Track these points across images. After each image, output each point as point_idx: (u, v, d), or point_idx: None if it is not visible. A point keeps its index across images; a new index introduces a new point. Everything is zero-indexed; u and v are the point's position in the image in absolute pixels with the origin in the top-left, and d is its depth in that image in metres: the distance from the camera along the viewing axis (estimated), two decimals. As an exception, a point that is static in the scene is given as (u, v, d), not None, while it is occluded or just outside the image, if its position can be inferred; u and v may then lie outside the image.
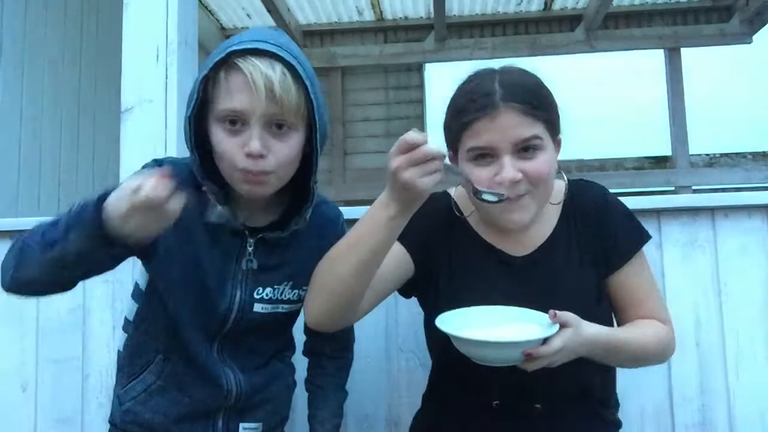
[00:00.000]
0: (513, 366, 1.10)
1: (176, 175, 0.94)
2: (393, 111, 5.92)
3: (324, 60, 5.79)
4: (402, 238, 1.19)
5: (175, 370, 1.23)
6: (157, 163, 1.21)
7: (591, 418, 1.27)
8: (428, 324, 1.34)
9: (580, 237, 1.28)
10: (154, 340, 1.25)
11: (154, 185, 0.92)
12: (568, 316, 1.09)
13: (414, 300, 1.37)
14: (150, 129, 1.79)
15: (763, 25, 5.32)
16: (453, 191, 1.36)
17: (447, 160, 1.29)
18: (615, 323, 1.30)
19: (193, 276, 1.20)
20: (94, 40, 3.73)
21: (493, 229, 1.29)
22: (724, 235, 1.67)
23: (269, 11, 5.04)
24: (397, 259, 1.25)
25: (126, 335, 1.31)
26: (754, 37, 5.47)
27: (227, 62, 1.11)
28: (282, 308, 1.27)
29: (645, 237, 1.29)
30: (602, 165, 5.62)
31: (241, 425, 1.27)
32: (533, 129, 1.18)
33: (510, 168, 1.16)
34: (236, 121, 1.11)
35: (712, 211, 1.68)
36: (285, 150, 1.14)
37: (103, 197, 0.97)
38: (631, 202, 1.34)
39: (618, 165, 5.70)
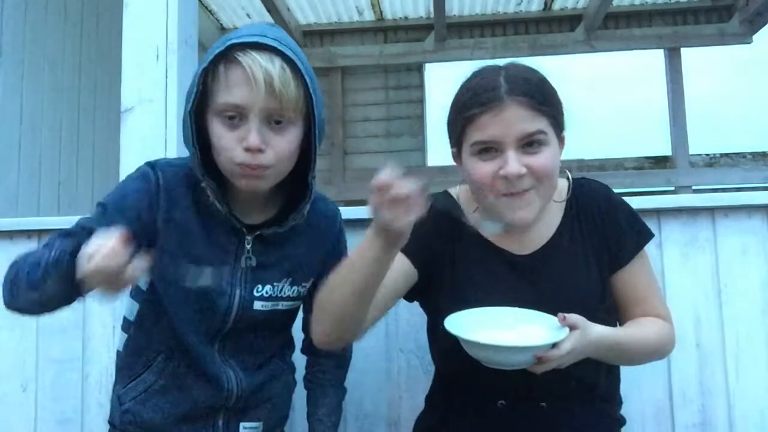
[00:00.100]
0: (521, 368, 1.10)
1: (135, 239, 0.94)
2: (393, 111, 5.92)
3: (324, 60, 5.79)
4: (404, 247, 1.18)
5: (177, 370, 1.23)
6: (150, 165, 1.21)
7: (596, 415, 1.27)
8: (432, 326, 1.34)
9: (584, 235, 1.28)
10: (155, 340, 1.24)
11: (107, 255, 0.91)
12: (575, 318, 1.09)
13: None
14: (150, 129, 1.79)
15: (763, 25, 5.32)
16: (457, 188, 1.36)
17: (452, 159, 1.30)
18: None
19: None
20: (94, 40, 3.73)
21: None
22: (724, 235, 1.67)
23: (269, 11, 5.05)
24: (400, 270, 1.24)
25: (126, 335, 1.31)
26: (754, 37, 5.47)
27: (227, 56, 1.11)
28: (282, 305, 1.27)
29: (648, 235, 1.30)
30: (602, 165, 5.62)
31: (242, 425, 1.27)
32: (538, 124, 1.18)
33: (514, 162, 1.16)
34: (235, 116, 1.11)
35: (712, 211, 1.68)
36: (283, 145, 1.14)
37: (77, 251, 0.97)
38: (631, 202, 1.34)
39: (618, 165, 5.69)
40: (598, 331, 1.13)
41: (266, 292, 1.24)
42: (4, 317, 1.81)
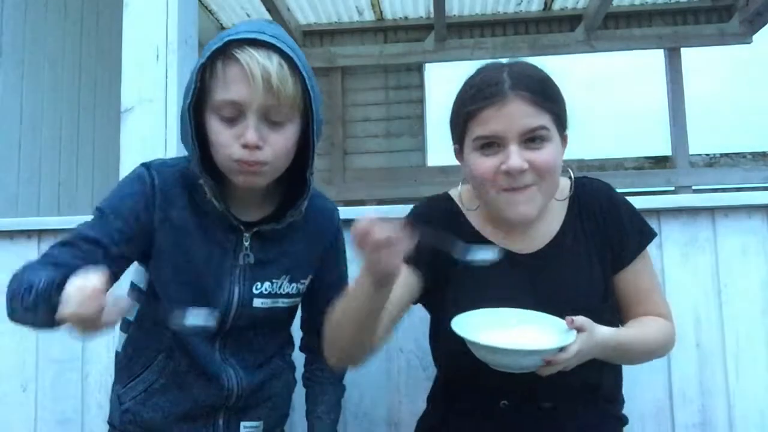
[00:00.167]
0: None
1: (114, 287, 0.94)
2: (393, 111, 5.92)
3: (324, 60, 5.79)
4: (407, 257, 1.20)
5: (177, 369, 1.23)
6: (145, 166, 1.22)
7: (599, 414, 1.27)
8: (434, 326, 1.34)
9: (586, 234, 1.28)
10: (155, 339, 1.24)
11: (82, 301, 0.91)
12: (582, 320, 1.09)
13: (414, 300, 1.37)
14: (150, 129, 1.79)
15: (763, 25, 5.32)
16: (457, 190, 1.35)
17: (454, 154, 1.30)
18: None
19: (190, 275, 1.20)
20: (94, 39, 3.73)
21: (499, 227, 1.29)
22: (724, 235, 1.67)
23: (269, 11, 5.05)
24: (404, 284, 1.24)
25: (125, 335, 1.31)
26: (754, 37, 5.47)
27: (224, 53, 1.11)
28: (281, 302, 1.27)
29: (651, 235, 1.31)
30: (602, 165, 5.62)
31: (242, 424, 1.27)
32: (541, 119, 1.18)
33: (516, 157, 1.16)
34: (233, 112, 1.12)
35: (712, 211, 1.68)
36: (281, 141, 1.14)
37: (66, 277, 0.97)
38: (631, 202, 1.34)
39: (618, 165, 5.69)
40: (604, 332, 1.13)
41: (265, 290, 1.25)
42: (3, 318, 1.81)
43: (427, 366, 1.57)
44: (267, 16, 5.16)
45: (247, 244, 1.23)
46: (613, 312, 1.28)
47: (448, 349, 1.25)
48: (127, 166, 1.78)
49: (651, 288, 1.30)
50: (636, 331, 1.24)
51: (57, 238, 1.76)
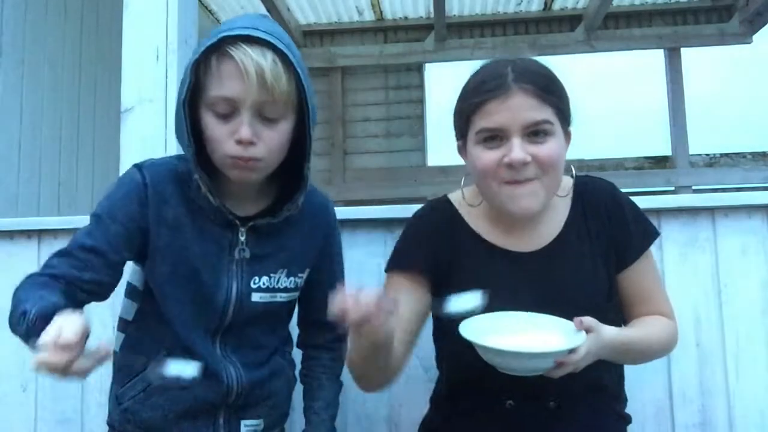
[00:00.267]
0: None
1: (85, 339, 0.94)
2: (393, 111, 5.91)
3: (324, 60, 5.79)
4: (411, 269, 1.27)
5: None
6: (137, 166, 1.23)
7: (604, 412, 1.28)
8: (438, 328, 1.35)
9: (590, 233, 1.28)
10: (154, 338, 1.25)
11: (52, 352, 0.91)
12: (590, 321, 1.09)
13: (414, 300, 1.37)
14: (150, 129, 1.79)
15: (763, 25, 5.32)
16: (457, 192, 1.36)
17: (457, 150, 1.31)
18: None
19: (187, 272, 1.21)
20: (94, 39, 3.73)
21: (501, 226, 1.29)
22: (724, 235, 1.67)
23: (269, 11, 5.04)
24: (414, 298, 1.28)
25: (123, 335, 1.31)
26: (754, 37, 5.47)
27: (219, 49, 1.12)
28: (280, 297, 1.28)
29: (654, 234, 1.31)
30: (602, 165, 5.61)
31: (243, 422, 1.27)
32: (544, 113, 1.18)
33: (519, 150, 1.16)
34: (227, 109, 1.12)
35: (712, 211, 1.68)
36: (275, 137, 1.15)
37: (52, 308, 0.99)
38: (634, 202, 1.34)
39: (618, 165, 5.69)
40: (610, 332, 1.13)
41: (263, 284, 1.25)
42: (4, 317, 1.81)
43: (429, 367, 1.57)
44: (268, 15, 5.16)
45: (243, 238, 1.23)
46: (616, 311, 1.28)
47: (453, 351, 1.26)
48: (127, 166, 1.75)
49: (654, 287, 1.31)
50: (640, 330, 1.24)
51: (57, 238, 1.77)
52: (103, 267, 1.16)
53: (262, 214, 1.25)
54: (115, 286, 1.22)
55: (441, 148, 5.81)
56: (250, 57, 1.10)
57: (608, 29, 5.65)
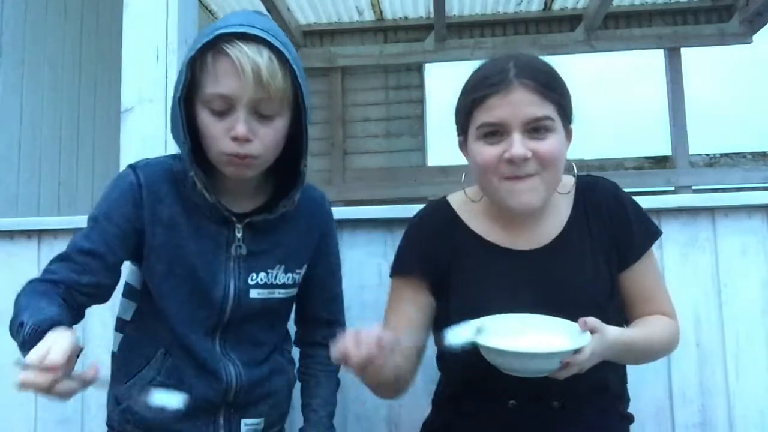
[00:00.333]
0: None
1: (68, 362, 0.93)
2: (393, 111, 5.91)
3: (324, 60, 5.79)
4: (411, 274, 1.28)
5: (176, 364, 1.23)
6: (131, 167, 1.24)
7: (608, 412, 1.28)
8: (440, 329, 1.35)
9: (592, 232, 1.28)
10: (153, 337, 1.25)
11: (37, 372, 0.92)
12: (594, 321, 1.09)
13: (414, 300, 1.37)
14: (150, 129, 1.79)
15: (763, 25, 5.32)
16: (457, 194, 1.36)
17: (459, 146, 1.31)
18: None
19: (184, 270, 1.21)
20: (94, 39, 3.73)
21: (502, 225, 1.29)
22: (724, 235, 1.66)
23: (269, 11, 5.04)
24: (419, 308, 1.29)
25: (120, 335, 1.31)
26: (754, 37, 5.47)
27: (215, 46, 1.12)
28: (278, 293, 1.28)
29: (656, 234, 1.31)
30: (602, 165, 5.61)
31: (243, 421, 1.27)
32: (545, 109, 1.18)
33: (519, 145, 1.16)
34: (223, 106, 1.13)
35: (712, 211, 1.68)
36: (270, 134, 1.16)
37: (45, 324, 0.99)
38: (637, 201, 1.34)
39: (618, 165, 5.69)
40: (614, 333, 1.13)
41: (261, 280, 1.25)
42: (4, 317, 1.81)
43: (428, 366, 1.57)
44: (267, 16, 5.16)
45: (239, 235, 1.23)
46: (618, 311, 1.28)
47: (454, 352, 1.26)
48: (127, 166, 1.78)
49: (656, 287, 1.31)
50: (643, 330, 1.24)
51: (57, 238, 1.77)
52: (101, 269, 1.17)
53: (259, 211, 1.25)
54: (115, 287, 1.22)
55: (441, 148, 5.82)
56: (246, 54, 1.10)
57: (608, 29, 5.65)
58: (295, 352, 1.43)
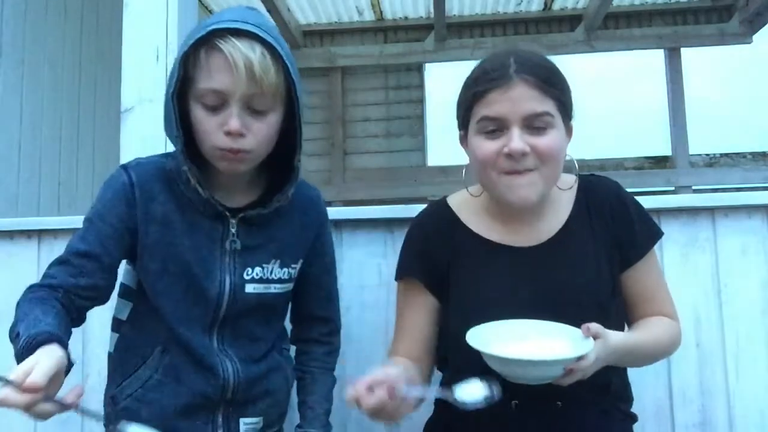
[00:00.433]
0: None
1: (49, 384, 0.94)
2: (393, 111, 5.91)
3: (324, 60, 5.79)
4: (412, 277, 1.28)
5: (174, 362, 1.23)
6: (123, 167, 1.25)
7: (610, 412, 1.27)
8: (441, 329, 1.35)
9: (594, 231, 1.28)
10: (150, 335, 1.25)
11: (16, 391, 0.93)
12: (597, 327, 1.09)
13: (414, 300, 1.37)
14: (150, 129, 1.79)
15: (763, 25, 5.32)
16: (457, 195, 1.36)
17: (459, 141, 1.31)
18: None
19: (178, 267, 1.22)
20: (94, 39, 3.73)
21: (502, 222, 1.29)
22: (724, 235, 1.66)
23: (269, 11, 5.04)
24: (425, 304, 1.30)
25: (117, 335, 1.31)
26: (754, 37, 5.47)
27: (208, 42, 1.13)
28: (274, 288, 1.28)
29: (658, 234, 1.31)
30: (602, 165, 5.61)
31: (242, 420, 1.27)
32: (545, 105, 1.18)
33: (518, 139, 1.17)
34: (216, 101, 1.14)
35: (712, 211, 1.67)
36: (263, 129, 1.17)
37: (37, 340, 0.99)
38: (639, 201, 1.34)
39: (618, 165, 5.69)
40: (617, 338, 1.13)
41: (256, 275, 1.26)
42: (4, 317, 1.80)
43: (427, 366, 1.57)
44: (267, 16, 5.15)
45: (233, 230, 1.24)
46: (620, 311, 1.28)
47: (456, 356, 1.26)
48: (127, 166, 1.77)
49: (657, 287, 1.31)
50: (645, 334, 1.24)
51: (57, 238, 1.77)
52: (98, 270, 1.18)
53: (253, 206, 1.26)
54: (113, 288, 1.23)
55: (441, 148, 5.82)
56: (239, 50, 1.11)
57: (608, 29, 5.65)
58: (292, 351, 1.43)
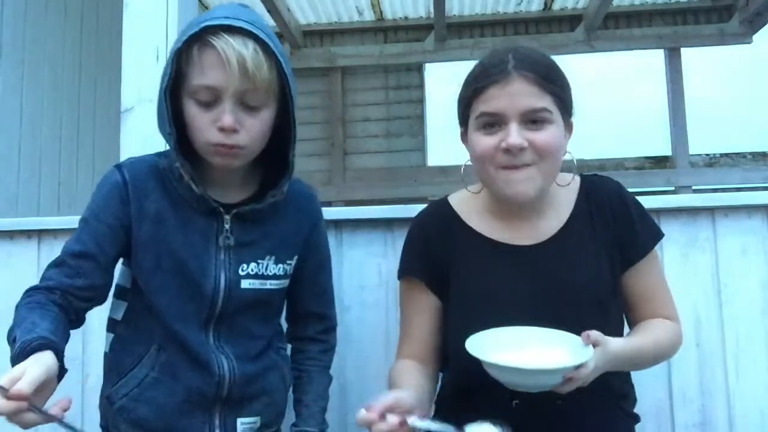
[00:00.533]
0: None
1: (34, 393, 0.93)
2: (393, 111, 5.91)
3: (324, 60, 5.79)
4: (413, 276, 1.29)
5: (170, 359, 1.23)
6: (116, 166, 1.25)
7: (612, 411, 1.27)
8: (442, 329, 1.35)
9: (595, 231, 1.28)
10: (146, 334, 1.25)
11: (1, 398, 0.91)
12: (597, 335, 1.09)
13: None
14: (150, 129, 1.78)
15: (763, 25, 5.32)
16: (458, 193, 1.36)
17: (459, 136, 1.31)
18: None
19: (172, 263, 1.22)
20: (94, 39, 3.73)
21: (502, 220, 1.29)
22: (724, 235, 1.67)
23: (269, 11, 5.04)
24: (428, 303, 1.30)
25: (112, 335, 1.31)
26: (754, 37, 5.47)
27: (200, 38, 1.14)
28: (270, 284, 1.29)
29: (659, 234, 1.31)
30: (602, 165, 5.61)
31: (239, 420, 1.27)
32: (543, 101, 1.19)
33: (516, 134, 1.17)
34: (209, 97, 1.14)
35: (712, 211, 1.68)
36: (257, 125, 1.17)
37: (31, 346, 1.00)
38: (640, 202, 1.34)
39: (618, 165, 5.69)
40: (617, 345, 1.13)
41: (252, 270, 1.26)
42: (3, 319, 1.80)
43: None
44: (267, 16, 5.15)
45: (227, 226, 1.24)
46: (619, 311, 1.28)
47: (457, 355, 1.26)
48: (127, 166, 1.77)
49: (658, 287, 1.31)
50: (645, 338, 1.24)
51: (57, 238, 1.77)
52: (95, 270, 1.19)
53: (247, 202, 1.26)
54: (110, 288, 1.24)
55: (441, 148, 5.82)
56: (232, 46, 1.12)
57: (608, 29, 5.65)
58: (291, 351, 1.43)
